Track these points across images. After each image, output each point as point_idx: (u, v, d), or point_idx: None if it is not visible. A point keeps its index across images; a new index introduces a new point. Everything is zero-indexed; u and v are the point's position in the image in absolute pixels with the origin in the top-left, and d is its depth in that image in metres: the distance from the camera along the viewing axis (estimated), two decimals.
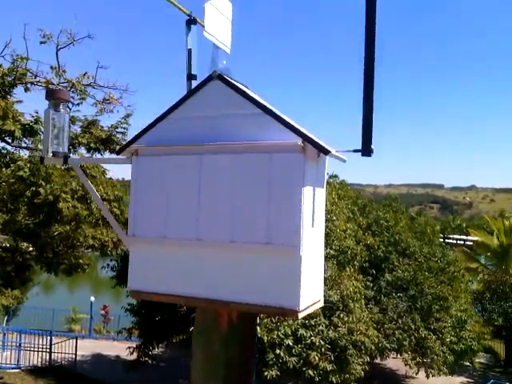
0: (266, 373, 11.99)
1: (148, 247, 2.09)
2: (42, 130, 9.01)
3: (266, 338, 11.68)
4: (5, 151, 10.38)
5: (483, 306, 24.94)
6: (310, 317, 12.68)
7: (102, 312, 24.79)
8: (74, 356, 17.01)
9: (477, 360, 21.04)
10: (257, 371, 12.24)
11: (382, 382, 21.24)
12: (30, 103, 10.19)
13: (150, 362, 14.36)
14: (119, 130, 10.56)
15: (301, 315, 1.89)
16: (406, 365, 17.38)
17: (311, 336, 12.24)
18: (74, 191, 8.83)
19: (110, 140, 10.34)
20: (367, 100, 1.98)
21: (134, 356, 14.61)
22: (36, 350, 16.33)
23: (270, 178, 1.86)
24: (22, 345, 16.38)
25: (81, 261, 11.78)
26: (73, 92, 10.42)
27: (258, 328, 11.53)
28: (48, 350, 16.25)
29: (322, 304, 2.10)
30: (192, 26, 2.42)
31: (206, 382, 2.07)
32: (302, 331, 12.14)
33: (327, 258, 13.58)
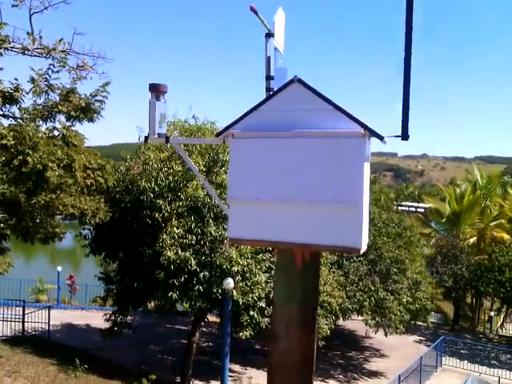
0: (240, 333, 12.70)
1: (244, 206, 2.78)
2: (23, 98, 8.94)
3: (241, 301, 12.32)
4: None
5: (435, 268, 26.60)
6: None
7: (69, 282, 24.80)
8: (46, 326, 17.17)
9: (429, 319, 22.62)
10: (232, 332, 12.92)
11: (342, 342, 22.57)
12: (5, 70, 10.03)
13: (125, 329, 14.74)
14: (98, 98, 10.59)
15: (361, 252, 2.65)
16: (366, 324, 18.64)
17: None
18: (59, 160, 8.95)
19: (89, 108, 10.39)
20: (405, 93, 2.65)
21: (108, 324, 14.93)
22: (8, 320, 16.39)
23: (339, 156, 2.58)
24: None
25: (57, 230, 11.86)
26: (49, 59, 10.34)
27: (234, 291, 12.13)
28: (21, 320, 16.33)
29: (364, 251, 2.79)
30: (270, 38, 3.17)
31: (286, 303, 2.78)
32: None
33: None
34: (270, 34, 3.16)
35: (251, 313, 12.53)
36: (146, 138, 3.19)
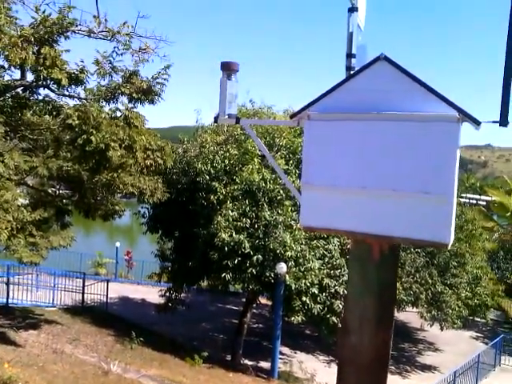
0: (292, 318, 12.68)
1: (319, 193, 2.61)
2: (88, 79, 9.17)
3: (293, 286, 12.27)
4: (47, 99, 10.67)
5: (497, 264, 25.42)
6: (334, 268, 13.23)
7: (126, 257, 25.74)
8: (104, 298, 17.92)
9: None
10: (284, 316, 12.93)
11: (395, 333, 22.10)
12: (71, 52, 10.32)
13: (179, 306, 15.14)
14: (159, 80, 10.72)
15: (449, 247, 2.48)
16: (421, 317, 18.10)
17: (335, 285, 12.83)
18: (121, 140, 9.16)
19: (151, 91, 10.54)
20: (507, 75, 2.36)
21: (162, 300, 15.43)
22: (70, 290, 17.23)
23: (430, 142, 2.33)
24: (56, 285, 17.27)
25: (117, 207, 12.24)
26: (113, 41, 10.54)
27: (286, 276, 12.09)
28: (81, 291, 17.13)
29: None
30: (353, 13, 2.91)
31: (361, 295, 2.62)
32: (327, 280, 12.71)
33: None
34: (354, 9, 2.91)
35: (303, 298, 12.47)
36: (216, 118, 3.08)
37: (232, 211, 12.39)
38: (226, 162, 13.19)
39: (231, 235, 12.13)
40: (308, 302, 12.45)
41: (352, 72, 2.74)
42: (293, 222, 12.45)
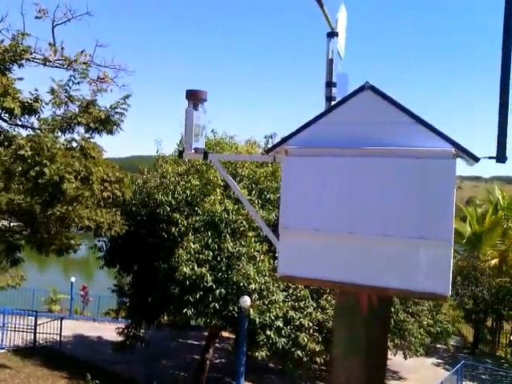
0: (256, 353, 12.31)
1: (299, 238, 2.30)
2: (42, 109, 8.82)
3: (257, 320, 11.95)
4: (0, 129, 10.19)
5: (455, 290, 25.86)
6: (298, 299, 13.02)
7: (82, 293, 24.64)
8: (58, 337, 16.96)
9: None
10: (247, 351, 12.55)
11: None
12: (25, 81, 9.95)
13: (138, 343, 14.47)
14: (118, 110, 10.45)
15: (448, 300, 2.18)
16: None
17: (300, 318, 12.59)
18: (77, 172, 8.76)
19: (109, 121, 10.25)
20: (503, 110, 2.19)
21: (120, 338, 14.72)
22: (20, 330, 16.21)
23: (424, 181, 2.09)
24: (5, 325, 16.23)
25: (72, 241, 11.71)
26: (70, 70, 10.26)
27: (250, 310, 11.80)
28: (33, 331, 16.15)
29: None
30: (332, 38, 2.67)
31: (347, 356, 2.31)
32: (291, 313, 12.46)
33: None
34: (333, 34, 2.65)
35: (268, 332, 12.14)
36: (181, 152, 2.76)
37: (194, 243, 12.06)
38: (188, 192, 12.91)
39: (193, 268, 11.76)
40: (272, 335, 12.13)
41: (333, 102, 2.52)
42: (256, 254, 12.23)
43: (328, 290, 13.72)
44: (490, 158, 2.25)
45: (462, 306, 24.53)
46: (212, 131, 14.76)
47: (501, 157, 2.22)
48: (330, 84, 2.66)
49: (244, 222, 12.29)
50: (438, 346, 22.29)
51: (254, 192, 13.01)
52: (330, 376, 2.47)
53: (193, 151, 2.74)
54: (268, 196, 13.09)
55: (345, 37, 2.83)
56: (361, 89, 2.25)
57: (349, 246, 2.20)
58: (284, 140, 2.40)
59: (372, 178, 2.16)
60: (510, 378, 21.14)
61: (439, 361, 23.99)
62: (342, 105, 2.29)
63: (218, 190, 12.74)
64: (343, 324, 2.37)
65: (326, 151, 2.25)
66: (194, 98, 2.71)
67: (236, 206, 12.44)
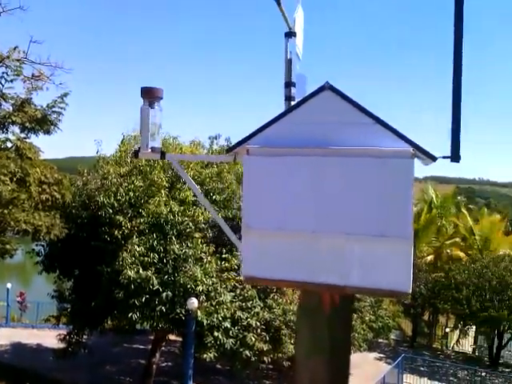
0: (204, 355, 12.22)
1: (262, 238, 2.29)
2: None
3: (205, 322, 11.88)
4: None
5: None
6: (246, 299, 13.06)
7: (19, 299, 23.49)
8: None
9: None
10: (195, 353, 12.44)
11: None
12: None
13: (81, 350, 13.99)
14: (55, 109, 10.04)
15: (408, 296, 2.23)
16: None
17: (248, 318, 12.62)
18: (12, 173, 8.32)
19: (45, 120, 9.83)
20: (456, 111, 2.26)
21: (62, 345, 14.18)
22: None
23: (383, 180, 2.14)
24: None
25: (8, 246, 11.16)
26: (3, 67, 9.77)
27: (198, 312, 11.70)
28: None
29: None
30: (290, 38, 2.69)
31: (310, 355, 2.32)
32: (239, 313, 12.48)
33: None
34: (291, 33, 2.67)
35: (216, 334, 12.09)
36: (137, 152, 2.68)
37: (138, 246, 11.80)
38: (131, 194, 12.61)
39: (138, 272, 11.51)
40: (220, 336, 12.10)
41: (293, 103, 2.54)
42: (203, 255, 12.15)
43: (275, 289, 13.87)
44: (444, 157, 2.30)
45: (401, 302, 25.46)
46: None
47: (455, 156, 2.30)
48: (289, 84, 2.70)
49: (190, 224, 12.17)
50: (380, 340, 23.03)
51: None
52: (293, 376, 2.48)
53: (149, 150, 2.68)
54: (214, 197, 13.03)
55: (303, 37, 2.88)
56: (321, 89, 2.29)
57: (312, 245, 2.23)
58: (245, 139, 2.38)
59: (334, 178, 2.20)
60: (446, 368, 22.20)
61: (381, 355, 24.80)
62: (302, 105, 2.32)
63: (162, 191, 12.54)
64: (306, 324, 2.39)
65: (287, 151, 2.27)
66: (150, 95, 2.66)
67: (182, 208, 12.30)
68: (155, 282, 11.53)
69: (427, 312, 30.16)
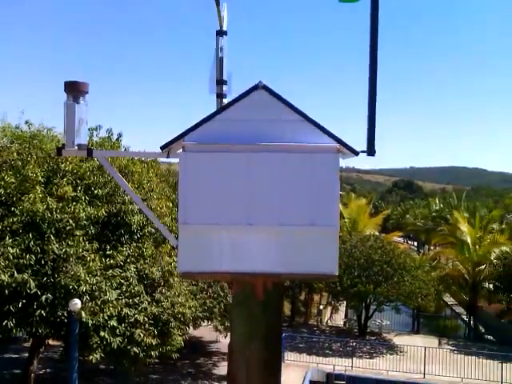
0: (90, 357, 11.76)
1: (199, 233, 2.35)
2: None
3: (90, 322, 11.41)
4: None
5: None
6: (133, 296, 12.78)
7: None
8: None
9: None
10: (79, 356, 11.91)
11: (191, 350, 22.47)
12: None
13: None
14: None
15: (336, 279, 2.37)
16: (216, 330, 18.82)
17: (135, 314, 12.39)
18: None
19: None
20: (371, 106, 2.50)
21: None
22: None
23: (312, 174, 2.32)
24: None
25: None
26: None
27: (82, 313, 11.24)
28: None
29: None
30: (222, 37, 2.77)
31: (247, 342, 2.44)
32: (126, 310, 12.19)
33: (147, 236, 13.77)
34: (222, 32, 2.78)
35: (102, 333, 11.67)
36: (61, 149, 2.57)
37: (12, 248, 10.88)
38: (1, 191, 11.55)
39: (12, 275, 10.65)
40: (107, 336, 11.70)
41: (227, 100, 2.65)
42: (85, 253, 11.60)
43: (162, 283, 13.75)
44: (362, 151, 2.55)
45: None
46: (26, 122, 13.39)
47: (370, 150, 2.55)
48: (220, 82, 2.80)
49: (70, 221, 11.53)
50: None
51: (79, 188, 12.25)
52: (228, 365, 2.61)
53: (76, 148, 2.59)
54: (96, 192, 12.47)
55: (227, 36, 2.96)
56: (254, 88, 2.41)
57: (248, 237, 2.36)
58: (181, 136, 2.42)
59: (266, 173, 2.35)
60: (322, 342, 23.97)
61: None
62: (236, 103, 2.43)
63: (38, 187, 11.67)
64: (242, 313, 2.51)
65: (222, 147, 2.36)
66: (75, 90, 2.58)
67: (60, 204, 11.59)
68: (33, 285, 10.78)
69: (304, 292, 32.08)
